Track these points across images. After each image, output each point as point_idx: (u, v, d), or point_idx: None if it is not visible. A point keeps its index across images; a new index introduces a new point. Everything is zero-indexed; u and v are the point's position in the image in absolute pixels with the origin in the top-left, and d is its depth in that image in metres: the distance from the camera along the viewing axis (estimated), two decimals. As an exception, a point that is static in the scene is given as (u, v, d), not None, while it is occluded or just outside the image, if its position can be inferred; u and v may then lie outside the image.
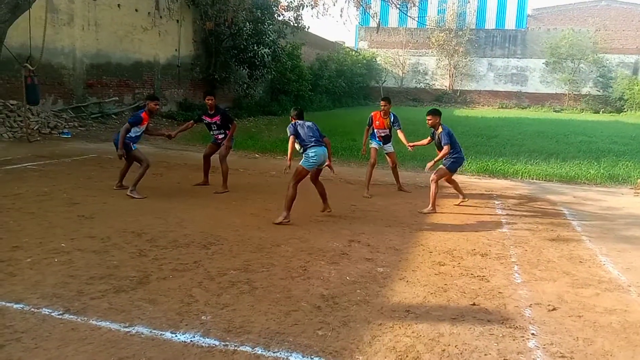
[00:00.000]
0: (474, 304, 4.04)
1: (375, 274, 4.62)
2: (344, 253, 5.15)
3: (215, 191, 7.73)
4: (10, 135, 11.78)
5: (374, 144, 8.47)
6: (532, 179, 10.34)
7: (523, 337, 3.54)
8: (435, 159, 7.32)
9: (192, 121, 8.20)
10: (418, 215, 6.97)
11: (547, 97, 39.75)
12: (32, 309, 3.57)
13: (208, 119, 7.98)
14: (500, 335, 3.55)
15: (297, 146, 6.36)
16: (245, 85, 23.23)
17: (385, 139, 8.48)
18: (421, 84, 42.78)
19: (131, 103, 17.62)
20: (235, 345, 3.21)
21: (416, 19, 26.50)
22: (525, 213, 7.41)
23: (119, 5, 16.65)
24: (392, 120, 8.36)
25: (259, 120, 20.63)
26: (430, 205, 7.21)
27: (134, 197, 6.98)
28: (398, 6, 17.97)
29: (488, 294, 4.27)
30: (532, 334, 3.60)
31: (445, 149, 7.18)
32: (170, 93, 19.87)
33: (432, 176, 7.31)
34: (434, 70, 42.39)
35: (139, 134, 7.33)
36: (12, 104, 12.66)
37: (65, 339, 3.20)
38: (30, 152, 10.23)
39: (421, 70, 42.81)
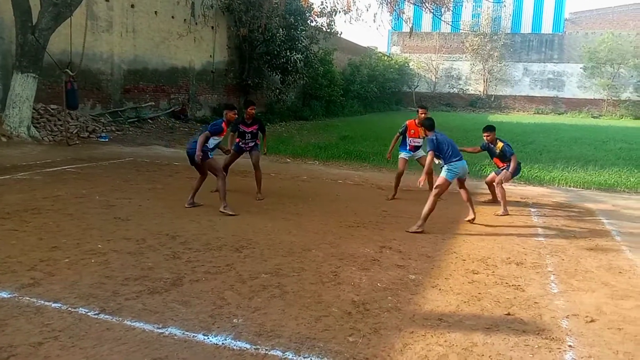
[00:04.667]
0: (508, 314, 3.95)
1: (407, 281, 4.57)
2: (375, 259, 5.11)
3: (257, 198, 7.55)
4: (50, 139, 12.17)
5: (403, 154, 8.31)
6: (569, 186, 10.08)
7: (560, 348, 3.44)
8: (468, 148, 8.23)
9: (232, 133, 7.72)
10: (451, 222, 6.87)
11: (584, 103, 38.72)
12: (69, 309, 3.66)
13: (245, 128, 7.68)
14: (536, 346, 3.45)
15: (436, 160, 6.65)
16: (277, 90, 23.43)
17: (417, 149, 8.35)
18: (454, 89, 42.29)
19: (167, 108, 17.98)
20: (266, 349, 3.22)
21: (450, 23, 26.26)
22: (562, 221, 7.21)
23: (155, 12, 17.04)
24: None
25: (290, 125, 20.76)
26: (502, 208, 7.50)
27: (228, 214, 6.50)
28: (432, 10, 17.84)
29: (523, 304, 4.16)
30: (570, 345, 3.49)
31: (513, 159, 7.55)
32: (205, 98, 20.20)
33: (497, 180, 7.71)
34: (468, 75, 41.85)
35: (216, 144, 6.82)
36: (52, 109, 13.09)
37: (101, 338, 3.27)
38: (69, 155, 10.54)
39: (454, 75, 42.32)
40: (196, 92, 19.58)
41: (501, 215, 7.39)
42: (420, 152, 8.38)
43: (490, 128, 7.82)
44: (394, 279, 4.59)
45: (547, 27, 40.74)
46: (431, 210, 6.28)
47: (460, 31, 39.72)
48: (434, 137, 6.50)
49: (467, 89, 42.01)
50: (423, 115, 8.05)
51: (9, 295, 3.81)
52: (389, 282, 4.51)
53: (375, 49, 41.93)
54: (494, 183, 7.86)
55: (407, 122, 8.37)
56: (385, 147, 13.21)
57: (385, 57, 40.03)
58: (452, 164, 6.46)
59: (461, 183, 6.85)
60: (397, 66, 39.17)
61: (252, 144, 7.83)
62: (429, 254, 5.38)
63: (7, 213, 6.01)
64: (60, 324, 3.42)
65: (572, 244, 6.06)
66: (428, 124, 6.71)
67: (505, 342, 3.48)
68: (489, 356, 3.29)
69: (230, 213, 6.53)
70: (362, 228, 6.30)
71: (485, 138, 7.78)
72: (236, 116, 7.17)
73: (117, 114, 15.80)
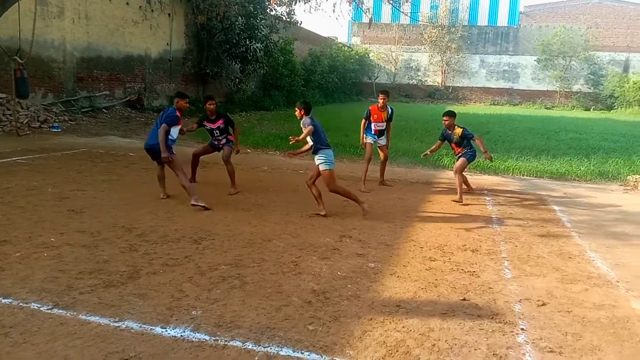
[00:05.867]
0: (464, 299, 4.06)
1: (367, 269, 4.63)
2: (335, 248, 5.15)
3: (229, 193, 7.36)
4: (-1, 129, 11.67)
5: (369, 139, 8.48)
6: (523, 175, 10.40)
7: (512, 332, 3.56)
8: (430, 149, 8.63)
9: (195, 124, 7.62)
10: (408, 211, 6.98)
11: (538, 94, 39.89)
12: (21, 304, 3.55)
13: (210, 125, 7.48)
14: (490, 330, 3.57)
15: (309, 141, 6.36)
16: (237, 80, 23.15)
17: (380, 133, 8.52)
18: (413, 80, 42.77)
19: (122, 97, 17.50)
20: (226, 340, 3.21)
21: (409, 14, 26.50)
22: (515, 209, 7.45)
23: (109, -2, 16.50)
24: (389, 113, 8.46)
25: (251, 115, 20.57)
26: (458, 195, 7.65)
27: (199, 206, 6.30)
28: (390, 2, 17.95)
29: (478, 289, 4.29)
30: (522, 329, 3.62)
31: (478, 139, 7.95)
32: (162, 87, 19.76)
33: (455, 168, 7.93)
34: (427, 66, 42.40)
35: (178, 134, 6.66)
36: (1, 97, 12.54)
37: (55, 333, 3.18)
38: (20, 146, 10.14)
39: (413, 67, 42.80)
40: (152, 80, 19.12)
41: (457, 202, 7.58)
42: (383, 140, 8.54)
43: (450, 113, 8.15)
44: (353, 267, 4.64)
45: (502, 20, 41.64)
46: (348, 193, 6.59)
47: (419, 23, 40.15)
48: (310, 119, 6.38)
49: (426, 81, 42.57)
50: (382, 100, 8.31)
51: (-46, 292, 3.65)
52: (349, 270, 4.55)
53: (335, 39, 41.92)
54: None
55: (370, 107, 8.56)
56: (347, 138, 13.31)
57: (346, 48, 40.09)
58: (322, 150, 6.38)
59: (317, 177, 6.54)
60: (357, 57, 39.29)
61: (224, 140, 7.63)
62: (388, 242, 5.46)
63: (-48, 206, 5.74)
64: (10, 320, 3.31)
65: (525, 231, 6.26)
66: (306, 108, 6.51)
67: (461, 327, 3.58)
68: (445, 340, 3.38)
69: (201, 205, 6.31)
70: (323, 218, 6.33)
71: (444, 122, 8.09)
72: (187, 105, 7.01)
73: (70, 103, 15.26)
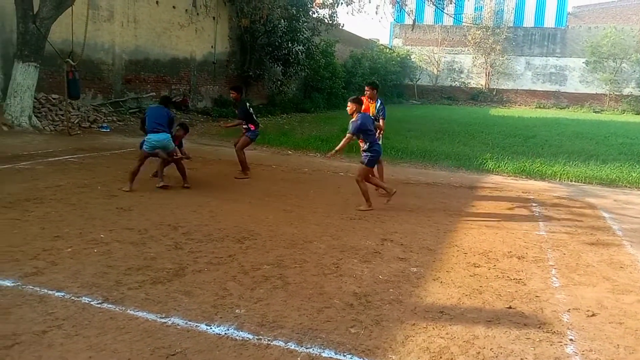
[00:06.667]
0: (510, 307, 3.96)
1: (409, 273, 4.58)
2: (376, 252, 5.12)
3: (235, 177, 8.23)
4: (52, 129, 12.15)
5: None
6: (571, 181, 10.08)
7: (561, 342, 3.45)
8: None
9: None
10: (452, 216, 6.87)
11: (586, 98, 38.59)
12: (73, 297, 3.67)
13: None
14: (537, 339, 3.47)
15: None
16: (278, 82, 23.38)
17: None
18: (456, 82, 42.15)
19: (168, 98, 17.92)
20: (269, 340, 3.23)
21: (452, 16, 26.11)
22: (563, 216, 7.22)
23: (157, 2, 16.96)
24: (378, 106, 7.84)
25: (291, 118, 20.72)
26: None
27: (161, 185, 7.19)
28: (434, 3, 17.75)
29: (524, 298, 4.18)
30: (570, 339, 3.50)
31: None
32: (206, 89, 20.15)
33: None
34: (470, 68, 41.71)
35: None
36: (54, 98, 13.05)
37: (104, 327, 3.28)
38: (71, 145, 10.53)
39: (456, 69, 42.17)
40: (197, 83, 19.52)
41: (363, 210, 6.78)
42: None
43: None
44: (395, 271, 4.60)
45: (549, 21, 40.53)
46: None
47: (463, 24, 39.55)
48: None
49: (469, 83, 41.88)
50: (368, 92, 7.95)
51: (12, 284, 3.82)
52: (391, 274, 4.52)
53: (377, 41, 41.76)
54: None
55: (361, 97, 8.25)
56: (386, 140, 13.23)
57: (387, 50, 39.89)
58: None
59: None
60: (398, 59, 39.05)
61: (245, 127, 8.49)
62: (431, 247, 5.39)
63: (10, 202, 6.01)
64: (63, 313, 3.44)
65: (573, 238, 6.06)
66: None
67: (507, 335, 3.50)
68: (490, 349, 3.30)
69: (162, 185, 7.15)
70: (364, 221, 6.31)
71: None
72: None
73: (118, 104, 15.76)
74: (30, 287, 3.79)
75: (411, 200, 7.61)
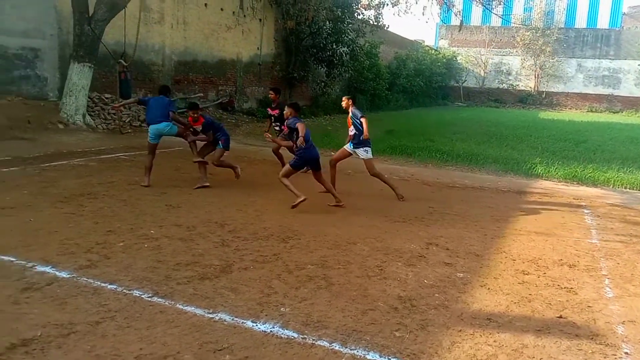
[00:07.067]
0: (560, 317, 3.84)
1: (455, 279, 4.51)
2: (421, 255, 5.06)
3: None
4: (104, 127, 12.61)
5: (347, 145, 7.81)
6: (625, 187, 9.68)
7: (615, 355, 3.32)
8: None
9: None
10: (500, 221, 6.71)
11: (642, 101, 36.98)
12: (124, 290, 3.80)
13: (270, 112, 9.06)
14: (590, 351, 3.35)
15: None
16: (322, 83, 23.45)
17: (354, 139, 7.63)
18: (504, 85, 41.16)
19: (215, 99, 18.29)
20: (313, 339, 3.25)
21: (501, 16, 25.52)
22: (617, 224, 6.94)
23: (205, 4, 17.33)
24: (352, 116, 7.60)
25: (335, 119, 20.73)
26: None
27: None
28: (483, 3, 17.40)
29: (576, 307, 4.04)
30: (626, 352, 3.37)
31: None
32: (252, 90, 20.43)
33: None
34: (518, 70, 40.64)
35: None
36: (107, 98, 13.53)
37: (154, 320, 3.38)
38: (122, 143, 10.89)
39: (504, 70, 41.18)
40: (243, 84, 19.82)
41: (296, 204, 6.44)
42: (361, 151, 7.75)
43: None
44: (441, 276, 4.54)
45: (603, 22, 39.01)
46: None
47: (511, 25, 38.55)
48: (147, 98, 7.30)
49: (517, 85, 40.82)
50: (345, 101, 7.81)
51: (68, 276, 3.99)
52: (436, 279, 4.46)
53: (422, 42, 41.31)
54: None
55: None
56: (432, 143, 13.08)
57: (433, 51, 39.38)
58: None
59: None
60: (444, 60, 38.47)
61: (278, 128, 8.81)
62: (477, 253, 5.28)
63: (65, 197, 6.28)
64: (116, 305, 3.56)
65: (627, 247, 5.82)
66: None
67: (557, 345, 3.39)
68: (540, 358, 3.21)
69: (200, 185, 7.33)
70: (408, 224, 6.25)
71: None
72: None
73: (167, 104, 16.16)
74: (85, 279, 3.95)
75: (456, 205, 7.48)
